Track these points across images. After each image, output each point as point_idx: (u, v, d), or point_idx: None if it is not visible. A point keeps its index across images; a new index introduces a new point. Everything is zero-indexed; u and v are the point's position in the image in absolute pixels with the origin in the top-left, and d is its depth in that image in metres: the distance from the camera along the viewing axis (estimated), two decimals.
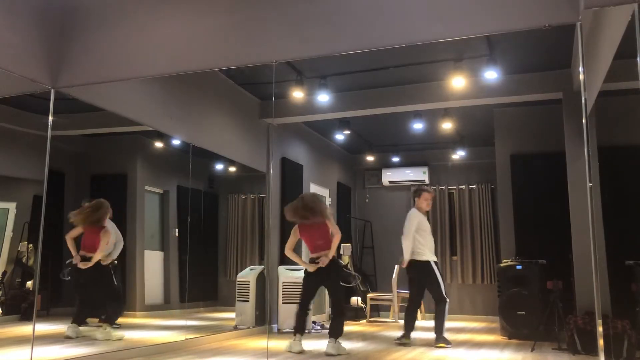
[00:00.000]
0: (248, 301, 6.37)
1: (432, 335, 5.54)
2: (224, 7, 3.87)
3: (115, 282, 5.09)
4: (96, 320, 4.81)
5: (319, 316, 7.25)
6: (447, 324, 5.53)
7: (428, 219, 5.74)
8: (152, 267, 5.60)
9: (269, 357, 4.54)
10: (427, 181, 8.75)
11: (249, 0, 3.81)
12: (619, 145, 4.91)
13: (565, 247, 5.38)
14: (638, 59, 2.70)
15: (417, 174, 8.80)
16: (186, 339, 5.17)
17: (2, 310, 4.52)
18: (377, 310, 8.48)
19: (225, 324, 6.42)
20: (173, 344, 4.98)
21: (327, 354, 4.69)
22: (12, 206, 4.62)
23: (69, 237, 4.74)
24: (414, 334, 5.61)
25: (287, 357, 4.56)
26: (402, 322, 5.73)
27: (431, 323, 5.67)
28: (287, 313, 6.36)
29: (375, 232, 9.13)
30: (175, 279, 5.78)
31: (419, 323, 5.57)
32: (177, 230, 5.89)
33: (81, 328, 4.65)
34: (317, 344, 5.26)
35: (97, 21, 4.17)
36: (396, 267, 7.91)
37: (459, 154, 8.52)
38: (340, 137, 8.19)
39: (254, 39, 3.75)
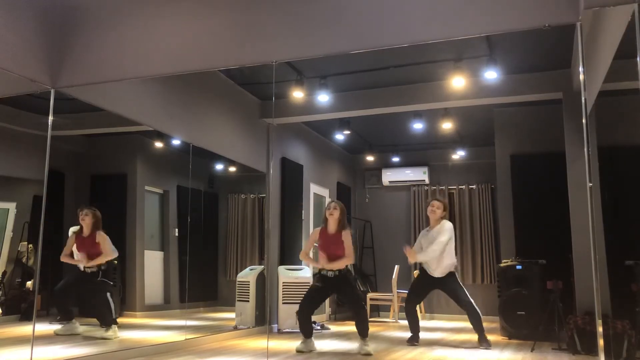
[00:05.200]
0: (248, 301, 6.37)
1: (432, 335, 5.55)
2: (224, 7, 3.87)
3: None
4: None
5: (319, 316, 7.25)
6: (447, 323, 5.52)
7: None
8: (152, 267, 5.59)
9: (269, 357, 4.54)
10: (427, 181, 8.76)
11: (249, 0, 3.81)
12: (619, 145, 4.90)
13: (565, 247, 5.37)
14: (638, 59, 2.70)
15: (417, 174, 8.81)
16: (186, 339, 5.17)
17: (2, 310, 4.52)
18: (377, 310, 8.48)
19: (225, 324, 6.42)
20: (173, 344, 4.98)
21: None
22: (12, 206, 4.62)
23: None
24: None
25: (287, 357, 4.56)
26: (402, 322, 5.71)
27: (431, 323, 5.67)
28: (287, 313, 6.36)
29: (375, 232, 9.13)
30: (175, 279, 5.78)
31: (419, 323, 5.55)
32: (177, 230, 5.89)
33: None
34: (318, 344, 5.25)
35: (97, 21, 4.17)
36: (396, 267, 7.91)
37: (459, 154, 8.52)
38: (340, 137, 8.20)
39: (254, 39, 3.75)
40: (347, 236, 4.99)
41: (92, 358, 4.06)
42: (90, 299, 4.91)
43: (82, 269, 4.80)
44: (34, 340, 3.81)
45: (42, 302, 4.47)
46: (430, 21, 3.38)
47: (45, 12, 4.10)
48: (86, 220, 4.78)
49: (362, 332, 4.84)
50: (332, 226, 5.00)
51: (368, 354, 4.71)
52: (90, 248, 4.80)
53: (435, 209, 5.53)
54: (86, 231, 4.80)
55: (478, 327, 5.30)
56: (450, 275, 5.46)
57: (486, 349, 5.13)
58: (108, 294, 4.95)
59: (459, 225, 8.66)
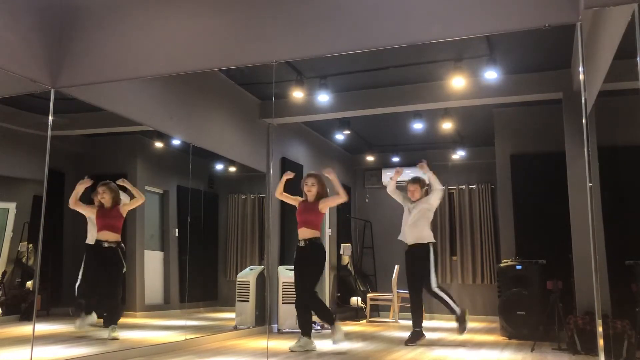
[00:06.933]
0: (248, 301, 6.37)
1: (432, 335, 5.54)
2: (224, 7, 3.87)
3: None
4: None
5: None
6: (447, 323, 5.52)
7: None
8: (152, 267, 5.60)
9: (269, 357, 4.54)
10: (427, 181, 8.74)
11: (249, 0, 3.81)
12: (619, 145, 4.91)
13: (565, 247, 5.37)
14: (638, 59, 2.70)
15: (417, 174, 8.78)
16: (186, 339, 5.17)
17: (2, 310, 4.53)
18: (377, 310, 8.48)
19: (225, 324, 6.43)
20: (173, 344, 4.98)
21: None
22: (12, 206, 4.62)
23: None
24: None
25: (287, 356, 4.56)
26: (402, 322, 5.72)
27: (431, 323, 5.67)
28: (287, 313, 6.36)
29: (375, 232, 9.13)
30: (175, 279, 5.79)
31: None
32: (177, 230, 5.89)
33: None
34: (317, 344, 5.25)
35: (97, 21, 4.17)
36: (396, 267, 7.91)
37: (459, 154, 8.52)
38: (340, 137, 8.19)
39: (254, 39, 3.75)
40: (325, 201, 5.09)
41: (92, 358, 4.06)
42: (106, 285, 4.93)
43: (100, 244, 4.81)
44: (34, 340, 3.81)
45: (42, 302, 4.47)
46: (430, 21, 3.38)
47: (46, 12, 4.10)
48: (105, 197, 4.86)
49: (328, 321, 4.91)
50: (310, 198, 5.09)
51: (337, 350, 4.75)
52: (111, 220, 4.84)
53: (413, 191, 5.72)
54: (108, 205, 4.86)
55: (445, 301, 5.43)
56: (425, 247, 5.54)
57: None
58: (119, 295, 4.99)
59: (459, 225, 8.66)
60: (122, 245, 4.91)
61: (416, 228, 5.60)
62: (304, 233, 4.99)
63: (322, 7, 3.61)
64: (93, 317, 4.71)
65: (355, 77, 6.03)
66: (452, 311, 5.39)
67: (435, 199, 5.69)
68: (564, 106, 5.56)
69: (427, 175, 5.66)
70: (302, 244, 4.99)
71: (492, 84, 5.81)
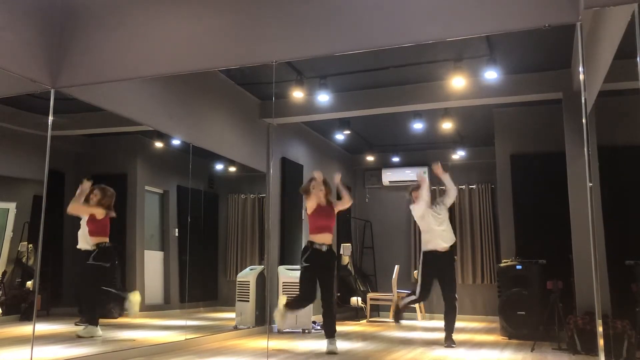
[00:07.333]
0: (248, 301, 6.37)
1: (432, 335, 5.54)
2: (224, 7, 3.87)
3: None
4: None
5: (318, 316, 7.24)
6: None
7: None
8: (152, 267, 5.60)
9: (269, 357, 4.54)
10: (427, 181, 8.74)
11: (249, 0, 3.81)
12: (619, 145, 4.91)
13: (565, 247, 5.37)
14: (638, 59, 2.70)
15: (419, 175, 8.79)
16: (186, 339, 5.18)
17: (2, 310, 4.53)
18: (377, 310, 8.48)
19: (225, 324, 6.43)
20: (173, 344, 4.98)
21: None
22: (12, 206, 4.63)
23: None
24: (416, 334, 5.58)
25: (287, 357, 4.56)
26: (402, 322, 5.71)
27: (431, 323, 5.67)
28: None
29: (375, 232, 9.13)
30: (175, 279, 5.79)
31: (419, 323, 5.55)
32: (177, 230, 5.89)
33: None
34: (317, 344, 5.26)
35: (97, 21, 4.17)
36: (396, 267, 7.91)
37: (459, 154, 8.52)
38: (340, 137, 8.19)
39: (254, 39, 3.75)
40: (337, 205, 5.24)
41: (92, 358, 4.06)
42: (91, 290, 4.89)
43: (83, 248, 4.78)
44: (34, 340, 3.81)
45: (42, 302, 4.47)
46: (430, 21, 3.38)
47: (46, 12, 4.10)
48: (94, 199, 4.83)
49: (329, 331, 4.88)
50: (322, 200, 5.11)
51: (332, 353, 4.72)
52: (92, 224, 4.79)
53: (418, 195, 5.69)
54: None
55: (450, 325, 5.37)
56: (452, 255, 5.59)
57: (449, 346, 5.21)
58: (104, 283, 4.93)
59: (459, 225, 8.66)
60: (105, 245, 4.80)
61: (449, 232, 5.61)
62: (326, 238, 5.03)
63: (322, 7, 3.62)
64: (98, 330, 4.68)
65: (355, 77, 6.03)
66: (452, 329, 5.38)
67: (449, 200, 5.70)
68: (564, 106, 5.56)
69: (443, 177, 5.62)
70: (324, 248, 5.00)
71: (492, 84, 5.81)
